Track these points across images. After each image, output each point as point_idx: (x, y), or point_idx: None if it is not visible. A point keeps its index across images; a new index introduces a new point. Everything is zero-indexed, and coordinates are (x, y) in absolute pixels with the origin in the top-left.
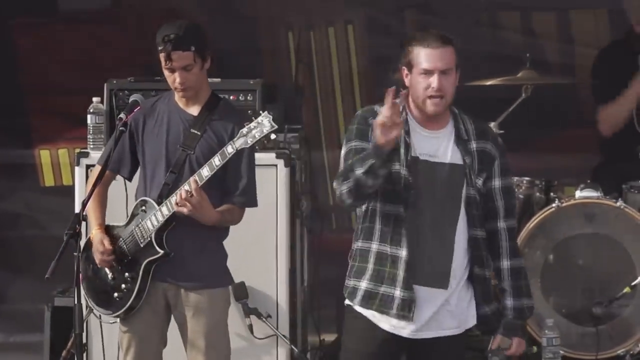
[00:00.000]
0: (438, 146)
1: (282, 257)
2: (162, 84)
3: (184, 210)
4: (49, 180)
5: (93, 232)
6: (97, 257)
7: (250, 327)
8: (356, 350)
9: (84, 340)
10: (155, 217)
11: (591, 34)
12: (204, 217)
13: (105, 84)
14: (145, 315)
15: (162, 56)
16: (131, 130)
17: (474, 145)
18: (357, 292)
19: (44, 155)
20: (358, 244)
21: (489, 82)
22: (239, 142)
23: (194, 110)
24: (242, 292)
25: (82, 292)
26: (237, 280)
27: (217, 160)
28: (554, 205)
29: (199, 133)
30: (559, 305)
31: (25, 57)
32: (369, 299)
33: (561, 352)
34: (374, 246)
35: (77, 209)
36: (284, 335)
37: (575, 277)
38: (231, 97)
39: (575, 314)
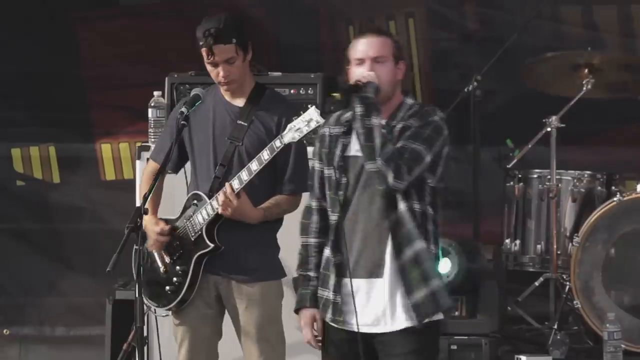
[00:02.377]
0: None
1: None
2: None
3: (227, 213)
4: (109, 174)
5: (146, 219)
6: (152, 239)
7: None
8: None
9: (145, 334)
10: (206, 210)
11: None
12: (245, 218)
13: (166, 78)
14: (198, 308)
15: (203, 51)
16: (178, 126)
17: (398, 126)
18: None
19: (105, 149)
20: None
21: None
22: (287, 137)
23: (240, 102)
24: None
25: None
26: (298, 273)
27: (265, 155)
28: (615, 199)
29: (245, 124)
30: (621, 299)
31: (87, 51)
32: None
33: (623, 346)
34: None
35: (138, 203)
36: None
37: (637, 271)
38: (292, 91)
39: (637, 308)
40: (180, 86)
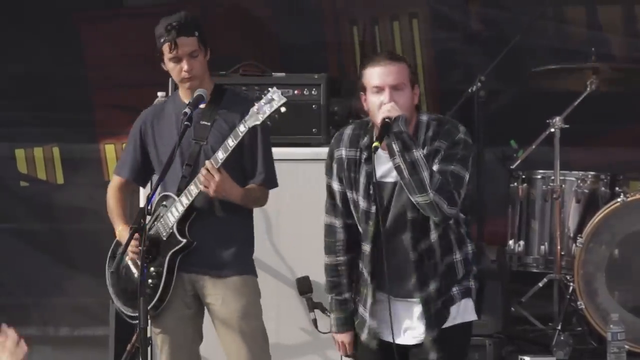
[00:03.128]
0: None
1: None
2: (227, 78)
3: (209, 191)
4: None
5: (119, 229)
6: (130, 250)
7: (315, 322)
8: None
9: (149, 334)
10: (176, 208)
11: None
12: (229, 194)
13: (170, 79)
14: (176, 309)
15: (166, 46)
16: (141, 138)
17: (424, 151)
18: None
19: (109, 149)
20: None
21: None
22: (250, 121)
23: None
24: (306, 286)
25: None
26: (301, 274)
27: (230, 141)
28: (619, 199)
29: (208, 124)
30: (624, 299)
31: (91, 51)
32: None
33: (626, 346)
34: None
35: (141, 204)
36: None
37: None
38: (295, 92)
39: None
40: None
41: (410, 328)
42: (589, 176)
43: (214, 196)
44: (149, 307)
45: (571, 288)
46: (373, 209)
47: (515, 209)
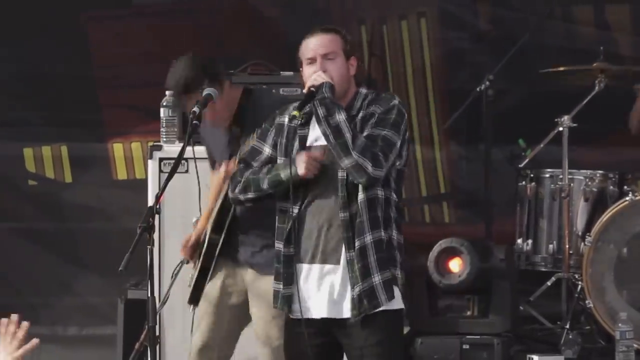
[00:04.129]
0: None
1: None
2: (235, 77)
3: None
4: (121, 174)
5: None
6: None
7: None
8: None
9: (157, 333)
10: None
11: None
12: None
13: None
14: (216, 297)
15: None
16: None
17: (359, 115)
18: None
19: (117, 148)
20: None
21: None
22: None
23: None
24: None
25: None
26: None
27: None
28: (627, 198)
29: (238, 133)
30: (633, 298)
31: (99, 51)
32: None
33: (635, 345)
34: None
35: (150, 202)
36: None
37: None
38: (304, 90)
39: None
40: None
41: (332, 300)
42: (598, 175)
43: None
44: (188, 298)
45: (579, 287)
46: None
47: (524, 207)
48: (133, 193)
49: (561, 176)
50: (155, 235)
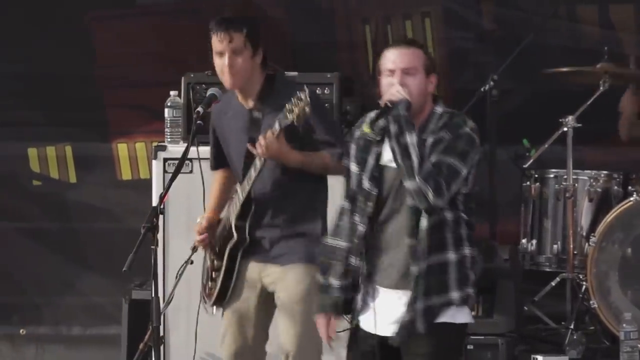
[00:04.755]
0: None
1: None
2: None
3: (265, 153)
4: (126, 174)
5: (202, 215)
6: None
7: None
8: None
9: (162, 333)
10: (234, 202)
11: None
12: (284, 159)
13: (182, 78)
14: (244, 298)
15: (212, 38)
16: (215, 133)
17: (430, 139)
18: None
19: (121, 148)
20: None
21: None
22: (283, 121)
23: (251, 103)
24: None
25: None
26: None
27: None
28: (632, 198)
29: (260, 117)
30: (637, 298)
31: (103, 51)
32: None
33: (639, 345)
34: None
35: (154, 203)
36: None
37: None
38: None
39: None
40: (196, 86)
41: (397, 320)
42: (602, 175)
43: (267, 156)
44: (211, 301)
45: (584, 287)
46: (375, 191)
47: (528, 208)
48: (137, 193)
49: (565, 176)
50: (160, 236)
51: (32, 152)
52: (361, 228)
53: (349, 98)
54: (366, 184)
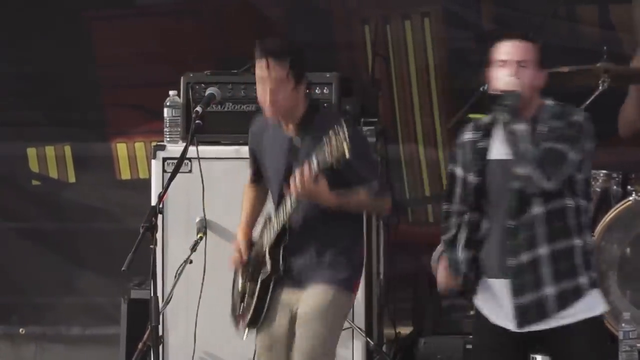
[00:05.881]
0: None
1: None
2: (238, 77)
3: (301, 192)
4: (125, 174)
5: (238, 231)
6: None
7: None
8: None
9: (160, 333)
10: (269, 233)
11: None
12: (319, 199)
13: (182, 77)
14: (273, 328)
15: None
16: (254, 151)
17: (542, 128)
18: None
19: (121, 148)
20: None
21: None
22: (320, 158)
23: (292, 130)
24: None
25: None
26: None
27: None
28: (631, 198)
29: (299, 145)
30: (637, 298)
31: (102, 50)
32: None
33: (638, 345)
34: None
35: (153, 202)
36: (359, 328)
37: None
38: (307, 91)
39: None
40: (195, 85)
41: (522, 307)
42: (601, 175)
43: (302, 197)
44: (240, 327)
45: None
46: (485, 185)
47: None
48: (136, 193)
49: None
50: (159, 235)
51: (32, 151)
52: (473, 219)
53: (348, 98)
54: (472, 178)
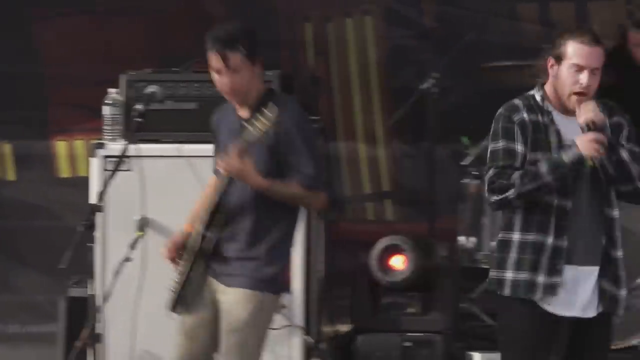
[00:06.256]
0: (577, 130)
1: (298, 247)
2: (179, 75)
3: (226, 171)
4: (64, 171)
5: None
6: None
7: None
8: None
9: (99, 331)
10: (206, 212)
11: (609, 25)
12: (247, 180)
13: (121, 75)
14: (196, 312)
15: (209, 57)
16: (216, 138)
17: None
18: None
19: (61, 146)
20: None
21: (506, 69)
22: (247, 133)
23: (246, 112)
24: None
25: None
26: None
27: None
28: None
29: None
30: None
31: (44, 48)
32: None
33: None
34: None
35: (92, 200)
36: (298, 326)
37: None
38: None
39: None
40: (136, 83)
41: (585, 300)
42: None
43: (230, 174)
44: (170, 305)
45: None
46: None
47: (466, 205)
48: (76, 191)
49: None
50: (98, 233)
51: None
52: (564, 203)
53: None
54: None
